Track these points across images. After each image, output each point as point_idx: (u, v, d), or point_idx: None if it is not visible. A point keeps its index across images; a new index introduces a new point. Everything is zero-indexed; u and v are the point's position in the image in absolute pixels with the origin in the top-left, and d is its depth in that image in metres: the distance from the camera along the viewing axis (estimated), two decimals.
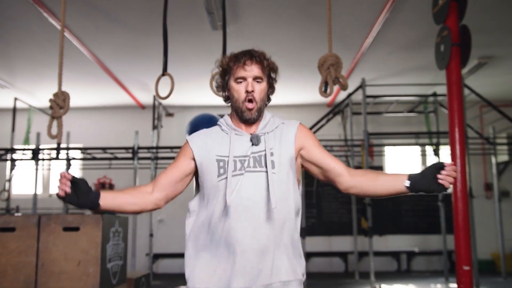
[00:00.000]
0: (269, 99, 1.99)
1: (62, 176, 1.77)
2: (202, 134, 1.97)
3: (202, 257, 1.86)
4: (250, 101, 1.87)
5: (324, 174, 1.92)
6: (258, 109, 1.89)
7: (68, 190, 1.76)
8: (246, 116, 1.88)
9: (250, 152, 1.84)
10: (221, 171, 1.83)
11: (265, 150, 1.84)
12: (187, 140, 1.97)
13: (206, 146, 1.90)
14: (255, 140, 1.85)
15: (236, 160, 1.83)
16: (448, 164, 1.75)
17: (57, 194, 1.77)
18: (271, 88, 1.97)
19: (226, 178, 1.80)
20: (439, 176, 1.74)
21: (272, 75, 1.95)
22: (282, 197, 1.82)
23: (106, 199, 1.80)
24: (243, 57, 1.88)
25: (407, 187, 1.78)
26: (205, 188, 1.88)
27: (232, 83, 1.90)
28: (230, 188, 1.77)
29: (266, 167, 1.82)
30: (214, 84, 2.03)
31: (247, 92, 1.86)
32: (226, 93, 1.95)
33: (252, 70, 1.87)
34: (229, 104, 1.97)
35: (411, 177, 1.79)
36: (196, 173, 1.94)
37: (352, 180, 1.86)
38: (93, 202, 1.78)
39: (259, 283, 1.78)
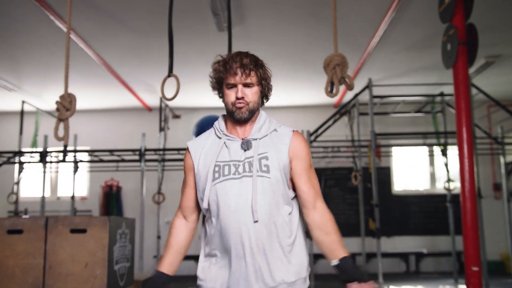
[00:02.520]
0: (266, 99, 2.02)
1: None
2: (202, 139, 2.02)
3: (207, 260, 1.99)
4: (240, 104, 1.91)
5: (297, 193, 1.95)
6: (249, 110, 1.92)
7: None
8: (237, 115, 1.91)
9: (244, 157, 1.88)
10: (216, 175, 1.88)
11: (253, 156, 1.88)
12: (187, 148, 2.02)
13: (205, 152, 1.96)
14: (245, 146, 1.90)
15: (230, 164, 1.88)
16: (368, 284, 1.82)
17: None
18: (265, 90, 1.99)
19: (222, 181, 1.86)
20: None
21: (263, 80, 1.97)
22: (275, 201, 1.86)
23: (170, 270, 2.02)
24: (233, 64, 1.90)
25: (333, 265, 1.87)
26: (200, 190, 1.94)
27: (225, 89, 1.95)
28: (213, 192, 1.86)
29: (258, 171, 1.85)
30: (210, 84, 2.06)
31: (237, 98, 1.91)
32: (221, 95, 2.01)
33: (242, 77, 1.91)
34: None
35: (341, 262, 1.85)
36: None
37: (309, 219, 1.92)
38: (164, 283, 1.97)
39: (263, 285, 1.82)
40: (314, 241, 1.92)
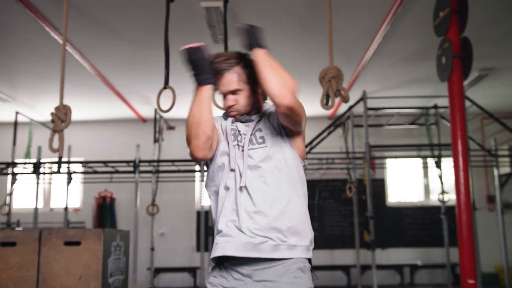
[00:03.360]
0: (262, 94, 2.02)
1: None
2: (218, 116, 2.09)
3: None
4: (231, 111, 1.99)
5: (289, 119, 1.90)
6: (242, 113, 1.99)
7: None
8: (233, 117, 2.01)
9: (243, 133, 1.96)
10: (232, 138, 1.95)
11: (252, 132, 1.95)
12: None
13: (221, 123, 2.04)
14: (244, 118, 1.98)
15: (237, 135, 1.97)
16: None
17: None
18: (257, 86, 1.97)
19: (242, 150, 1.92)
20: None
21: (251, 79, 1.95)
22: (278, 167, 1.88)
23: (211, 90, 1.90)
24: (217, 75, 1.94)
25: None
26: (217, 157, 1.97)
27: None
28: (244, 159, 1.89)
29: (257, 144, 1.92)
30: None
31: (227, 107, 1.98)
32: None
33: (227, 84, 1.94)
34: None
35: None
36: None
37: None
38: (211, 78, 1.88)
39: (268, 243, 1.82)
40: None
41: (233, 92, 1.93)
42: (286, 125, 1.91)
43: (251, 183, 1.86)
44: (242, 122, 1.98)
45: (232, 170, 1.90)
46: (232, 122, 2.01)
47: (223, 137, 1.98)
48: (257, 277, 1.82)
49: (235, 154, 1.91)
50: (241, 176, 1.87)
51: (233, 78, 1.92)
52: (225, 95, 1.96)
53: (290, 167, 1.91)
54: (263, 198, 1.85)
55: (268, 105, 2.05)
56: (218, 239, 1.88)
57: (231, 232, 1.84)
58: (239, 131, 1.97)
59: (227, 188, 1.90)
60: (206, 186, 2.02)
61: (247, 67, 1.95)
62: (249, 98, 1.96)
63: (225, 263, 1.91)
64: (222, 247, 1.84)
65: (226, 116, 2.07)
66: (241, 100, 1.94)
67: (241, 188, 1.86)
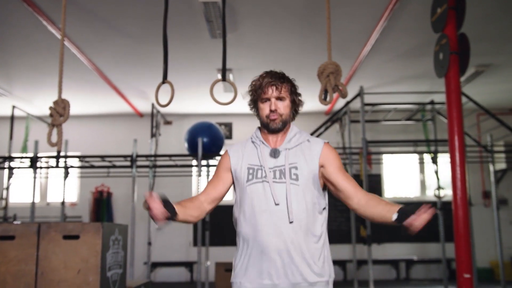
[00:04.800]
0: (296, 112, 2.20)
1: (151, 198, 1.86)
2: (239, 146, 2.19)
3: (240, 256, 2.05)
4: (273, 116, 2.09)
5: (337, 193, 2.09)
6: (282, 121, 2.10)
7: (162, 209, 1.86)
8: (271, 126, 2.09)
9: (274, 165, 2.05)
10: (250, 177, 2.05)
11: (284, 165, 2.03)
12: (226, 150, 2.20)
13: (242, 155, 2.13)
14: (272, 154, 2.07)
15: (262, 168, 2.04)
16: (428, 209, 1.91)
17: (155, 217, 1.86)
18: (295, 104, 2.18)
19: (255, 183, 2.02)
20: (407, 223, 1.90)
21: (293, 94, 2.16)
22: (303, 206, 1.99)
23: (180, 212, 1.96)
24: (266, 80, 2.11)
25: (394, 220, 1.92)
26: (237, 193, 2.12)
27: (259, 104, 2.13)
28: (273, 191, 1.98)
29: (285, 178, 2.00)
30: (246, 101, 2.23)
31: (270, 111, 2.09)
32: (255, 112, 2.19)
33: (274, 91, 2.10)
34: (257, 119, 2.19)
35: (400, 211, 1.91)
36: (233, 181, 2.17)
37: (354, 203, 2.04)
38: (173, 213, 1.92)
39: (286, 282, 1.94)
40: (369, 217, 2.00)
41: (279, 98, 2.09)
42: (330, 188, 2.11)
43: None
44: (270, 155, 2.07)
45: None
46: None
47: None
48: None
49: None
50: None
51: (284, 87, 2.11)
52: (268, 100, 2.09)
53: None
54: None
55: (296, 128, 2.17)
56: None
57: None
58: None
59: None
60: None
61: (290, 83, 2.16)
62: (289, 110, 2.12)
63: None
64: None
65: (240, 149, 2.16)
66: (283, 108, 2.10)
67: None
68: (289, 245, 1.94)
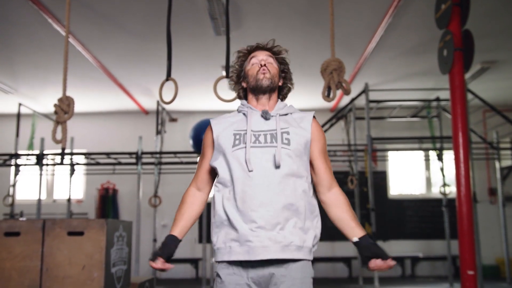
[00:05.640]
0: (284, 84, 2.14)
1: (155, 265, 1.89)
2: (223, 116, 2.11)
3: (224, 226, 1.93)
4: (264, 70, 2.03)
5: (312, 173, 2.02)
6: (271, 77, 2.03)
7: (166, 265, 1.91)
8: (261, 83, 2.02)
9: (266, 129, 1.95)
10: (236, 142, 1.94)
11: (276, 129, 1.95)
12: (209, 124, 2.08)
13: (225, 124, 2.03)
14: (264, 114, 1.98)
15: (255, 133, 1.94)
16: (387, 261, 1.89)
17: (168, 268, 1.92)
18: (283, 73, 2.13)
19: (241, 148, 1.91)
20: (372, 263, 1.88)
21: (281, 60, 2.14)
22: (295, 170, 1.91)
23: (181, 234, 1.98)
24: (254, 46, 2.14)
25: (354, 241, 1.93)
26: (219, 161, 1.98)
27: (247, 67, 2.09)
28: (248, 155, 1.88)
29: (277, 142, 1.92)
30: (227, 82, 2.19)
31: (260, 65, 2.04)
32: (243, 84, 2.11)
33: (262, 54, 2.10)
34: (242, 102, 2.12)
35: (362, 239, 1.91)
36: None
37: (326, 198, 2.01)
38: (177, 245, 1.96)
39: (277, 244, 1.84)
40: (332, 218, 1.99)
41: (268, 58, 2.08)
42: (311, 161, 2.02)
43: None
44: (262, 117, 2.00)
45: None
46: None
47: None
48: None
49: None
50: None
51: (269, 49, 2.12)
52: (257, 61, 2.07)
53: None
54: None
55: (285, 102, 2.11)
56: None
57: None
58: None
59: None
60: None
61: (278, 49, 2.15)
62: (277, 72, 2.08)
63: None
64: None
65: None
66: (271, 65, 2.06)
67: None
68: (277, 207, 1.85)
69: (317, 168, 2.00)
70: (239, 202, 1.86)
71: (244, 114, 2.03)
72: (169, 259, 1.92)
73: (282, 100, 2.14)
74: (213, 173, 2.06)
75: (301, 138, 1.95)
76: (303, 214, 1.91)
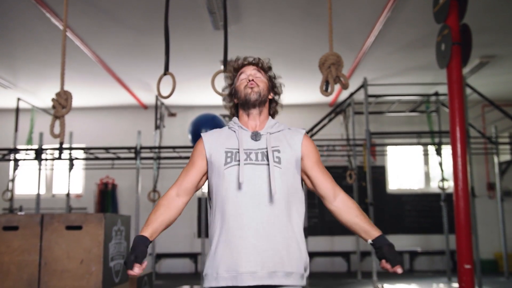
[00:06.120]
0: (275, 94, 2.14)
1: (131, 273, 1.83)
2: (215, 132, 2.10)
3: (219, 248, 1.90)
4: (252, 84, 2.03)
5: (314, 189, 2.04)
6: (260, 92, 2.03)
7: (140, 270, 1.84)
8: (249, 97, 2.02)
9: (257, 148, 1.96)
10: (228, 160, 1.94)
11: (266, 148, 1.95)
12: (201, 136, 2.08)
13: (217, 140, 2.02)
14: (254, 136, 1.98)
15: (246, 151, 1.95)
16: (395, 268, 1.90)
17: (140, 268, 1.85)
18: (272, 83, 2.12)
19: (233, 166, 1.92)
20: (382, 263, 1.91)
21: (270, 73, 2.13)
22: (285, 190, 1.91)
23: (152, 237, 1.91)
24: (242, 61, 2.12)
25: (370, 243, 1.95)
26: (212, 179, 1.99)
27: (237, 83, 2.09)
28: (241, 172, 1.88)
29: (268, 161, 1.92)
30: (224, 103, 2.19)
31: (248, 80, 2.04)
32: (235, 100, 2.11)
33: (250, 68, 2.09)
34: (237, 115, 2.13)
35: (376, 241, 1.93)
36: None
37: (334, 207, 2.00)
38: (147, 246, 1.89)
39: (265, 270, 1.83)
40: (345, 225, 1.99)
41: (256, 73, 2.07)
42: (308, 178, 2.03)
43: None
44: (251, 138, 2.00)
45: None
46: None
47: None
48: None
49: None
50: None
51: (257, 63, 2.10)
52: (245, 75, 2.07)
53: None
54: None
55: (275, 120, 2.10)
56: None
57: None
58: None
59: None
60: None
61: (266, 64, 2.12)
62: (266, 87, 2.07)
63: None
64: None
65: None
66: (260, 81, 2.05)
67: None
68: (268, 229, 1.85)
69: (315, 178, 2.01)
70: (228, 221, 1.87)
71: (234, 131, 2.03)
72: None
73: (273, 116, 2.13)
74: (196, 184, 2.05)
75: (291, 157, 1.96)
76: (295, 240, 1.92)
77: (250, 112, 2.04)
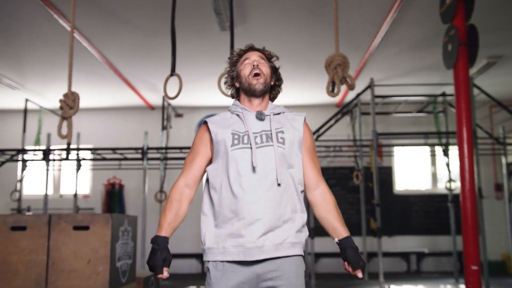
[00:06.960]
0: (276, 85, 2.15)
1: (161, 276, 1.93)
2: (218, 115, 2.11)
3: (226, 224, 1.94)
4: (257, 73, 2.04)
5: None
6: (264, 80, 2.05)
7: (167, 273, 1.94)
8: (253, 86, 2.03)
9: (261, 130, 1.98)
10: (235, 141, 1.95)
11: (270, 130, 1.98)
12: (205, 121, 2.07)
13: (223, 122, 2.03)
14: (259, 115, 2.00)
15: (247, 134, 1.96)
16: (355, 272, 1.98)
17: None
18: (275, 75, 2.14)
19: (241, 148, 1.93)
20: (345, 265, 1.99)
21: (272, 63, 2.14)
22: (289, 170, 1.96)
23: (170, 233, 2.00)
24: (246, 50, 2.13)
25: (336, 242, 2.01)
26: (218, 160, 1.98)
27: (240, 67, 2.09)
28: (254, 156, 1.90)
29: (273, 141, 1.95)
30: (223, 83, 2.19)
31: (253, 66, 2.05)
32: (236, 84, 2.12)
33: (255, 54, 2.10)
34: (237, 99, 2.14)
35: (342, 242, 1.99)
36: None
37: (312, 196, 2.04)
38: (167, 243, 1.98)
39: (271, 243, 1.86)
40: (318, 218, 2.02)
41: (260, 60, 2.08)
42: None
43: None
44: (256, 117, 2.02)
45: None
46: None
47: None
48: None
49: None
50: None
51: (261, 52, 2.11)
52: (249, 61, 2.08)
53: None
54: None
55: (275, 104, 2.13)
56: None
57: None
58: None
59: None
60: None
61: (268, 53, 2.13)
62: (269, 73, 2.08)
63: None
64: None
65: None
66: (264, 69, 2.06)
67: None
68: (275, 209, 1.88)
69: (305, 169, 2.03)
70: (234, 201, 1.89)
71: (237, 115, 2.05)
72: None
73: (272, 101, 2.16)
74: (203, 171, 2.06)
75: (295, 137, 1.99)
76: (298, 213, 1.96)
77: (252, 99, 2.07)
